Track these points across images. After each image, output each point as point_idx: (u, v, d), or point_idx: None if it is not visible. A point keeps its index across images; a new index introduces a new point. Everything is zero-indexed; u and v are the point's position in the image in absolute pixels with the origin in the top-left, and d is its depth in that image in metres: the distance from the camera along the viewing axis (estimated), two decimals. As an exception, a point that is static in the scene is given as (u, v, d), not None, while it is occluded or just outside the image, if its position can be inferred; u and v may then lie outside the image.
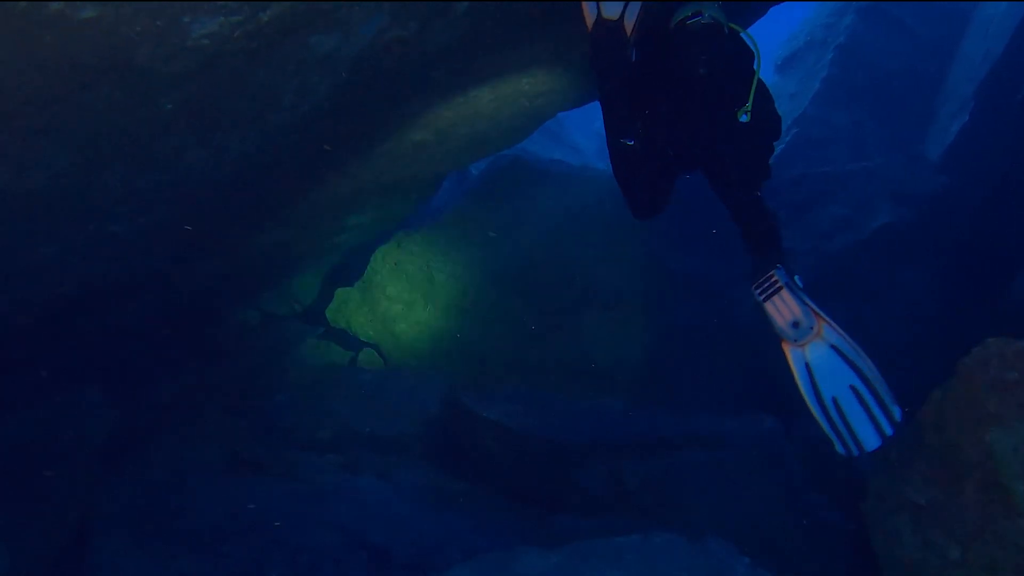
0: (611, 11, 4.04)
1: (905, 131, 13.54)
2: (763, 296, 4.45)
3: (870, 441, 4.20)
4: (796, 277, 4.56)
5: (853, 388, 4.30)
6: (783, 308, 4.39)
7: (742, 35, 4.54)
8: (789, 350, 4.38)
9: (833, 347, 4.32)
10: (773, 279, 4.44)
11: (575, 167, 12.64)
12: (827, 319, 4.32)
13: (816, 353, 4.35)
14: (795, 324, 4.31)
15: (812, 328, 4.30)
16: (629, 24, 4.05)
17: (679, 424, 8.45)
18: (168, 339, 9.34)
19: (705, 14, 4.23)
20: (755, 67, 4.42)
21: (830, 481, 8.44)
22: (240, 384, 10.14)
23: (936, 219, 10.69)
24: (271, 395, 9.93)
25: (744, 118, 4.34)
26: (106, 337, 8.54)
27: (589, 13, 4.09)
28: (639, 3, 4.05)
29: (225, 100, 4.16)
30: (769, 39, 23.11)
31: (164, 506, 7.67)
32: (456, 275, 10.79)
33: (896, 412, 4.14)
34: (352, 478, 8.41)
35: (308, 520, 7.30)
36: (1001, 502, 3.80)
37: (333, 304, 11.13)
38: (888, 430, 4.15)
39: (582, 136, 20.69)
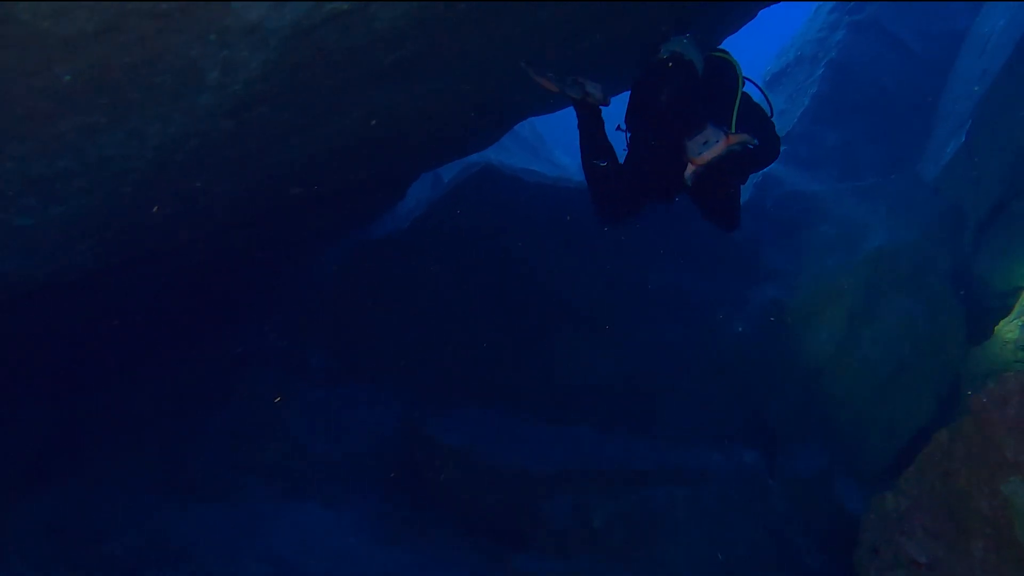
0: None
1: (898, 150, 13.26)
2: None
3: None
4: None
5: None
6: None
7: (724, 59, 4.84)
8: None
9: None
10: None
11: (550, 177, 12.25)
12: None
13: None
14: None
15: None
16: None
17: (654, 455, 8.04)
18: (110, 344, 8.88)
19: (672, 51, 4.63)
20: (737, 91, 4.67)
21: (815, 522, 8.06)
22: (184, 396, 9.62)
23: (932, 242, 10.36)
24: (216, 409, 9.41)
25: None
26: (40, 341, 8.07)
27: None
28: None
29: (136, 72, 3.67)
30: (758, 54, 23.04)
31: (83, 527, 7.20)
32: (422, 285, 10.31)
33: None
34: (295, 504, 7.96)
35: (241, 550, 6.84)
36: (1016, 563, 3.36)
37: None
38: None
39: (563, 152, 20.38)
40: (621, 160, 4.95)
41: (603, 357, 9.91)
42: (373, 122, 5.91)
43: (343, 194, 7.87)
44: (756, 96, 5.07)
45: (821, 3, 16.83)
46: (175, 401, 9.28)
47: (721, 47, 5.02)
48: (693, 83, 4.59)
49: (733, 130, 4.48)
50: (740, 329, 10.04)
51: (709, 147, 4.20)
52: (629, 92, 4.86)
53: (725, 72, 4.78)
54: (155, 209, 5.66)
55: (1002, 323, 9.43)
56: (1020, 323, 9.10)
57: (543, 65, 4.67)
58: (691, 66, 4.62)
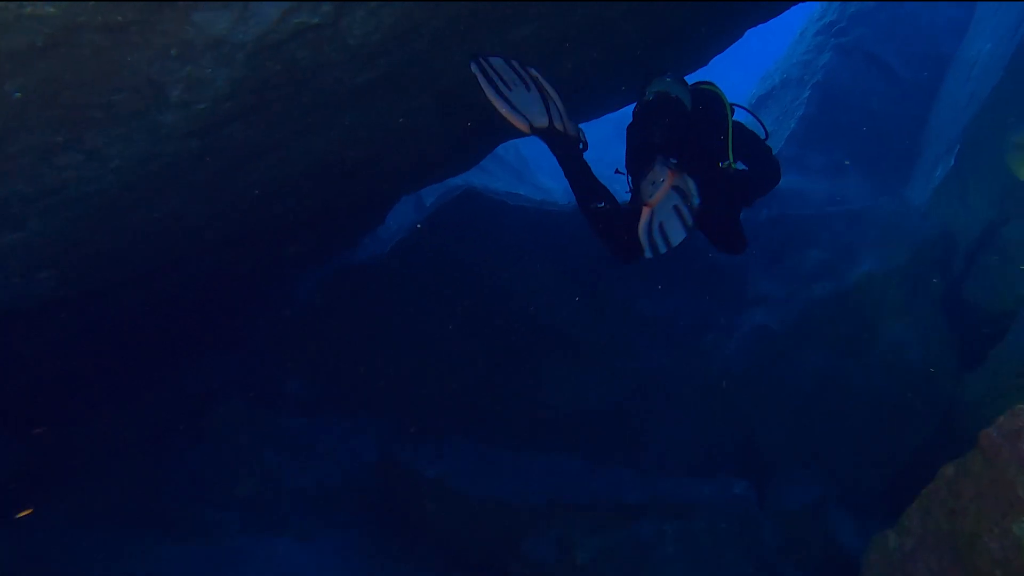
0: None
1: (886, 174, 13.19)
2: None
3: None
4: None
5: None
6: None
7: (710, 90, 4.73)
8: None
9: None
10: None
11: (534, 200, 12.10)
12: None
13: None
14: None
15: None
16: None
17: (642, 487, 7.81)
18: (76, 376, 8.63)
19: (657, 91, 4.53)
20: (728, 121, 4.58)
21: (808, 554, 7.86)
22: (156, 428, 9.36)
23: (923, 267, 10.25)
24: (188, 441, 9.16)
25: (736, 165, 4.47)
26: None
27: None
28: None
29: (92, 89, 3.49)
30: (744, 77, 23.11)
31: (46, 567, 6.94)
32: (402, 310, 10.10)
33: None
34: (269, 540, 7.72)
35: (212, 589, 6.57)
36: (1027, 608, 3.16)
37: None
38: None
39: (547, 176, 20.30)
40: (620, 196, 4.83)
41: (589, 384, 9.71)
42: (349, 152, 5.76)
43: (320, 217, 7.69)
44: (747, 120, 5.02)
45: (806, 26, 16.85)
46: (146, 433, 9.02)
47: (706, 79, 4.97)
48: (684, 118, 4.54)
49: (731, 159, 4.45)
50: (729, 356, 9.87)
51: (657, 187, 4.06)
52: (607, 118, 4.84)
53: (713, 103, 4.72)
54: (123, 234, 5.47)
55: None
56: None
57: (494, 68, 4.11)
58: (679, 102, 4.57)
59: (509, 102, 4.06)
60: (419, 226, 10.71)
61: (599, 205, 4.32)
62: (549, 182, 19.93)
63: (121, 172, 4.41)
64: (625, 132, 4.65)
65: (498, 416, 9.44)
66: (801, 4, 8.79)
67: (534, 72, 4.16)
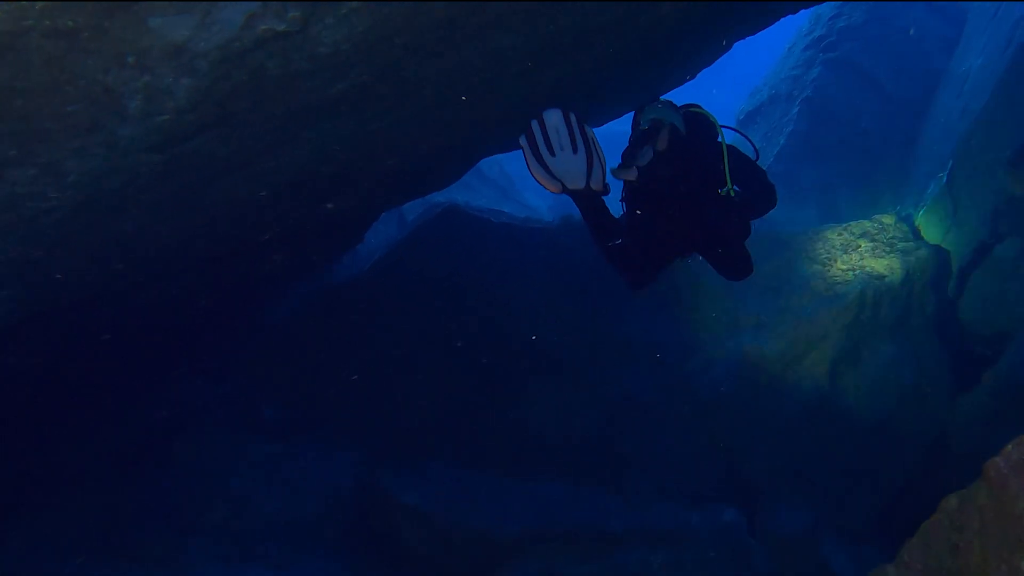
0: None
1: (877, 190, 13.15)
2: None
3: None
4: None
5: None
6: None
7: (700, 113, 4.85)
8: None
9: None
10: None
11: (518, 218, 11.98)
12: None
13: None
14: None
15: None
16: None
17: (629, 514, 7.66)
18: (42, 398, 8.41)
19: (651, 119, 4.62)
20: (723, 146, 4.68)
21: (801, 585, 7.72)
22: (124, 452, 9.14)
23: (916, 286, 10.17)
24: (158, 465, 8.95)
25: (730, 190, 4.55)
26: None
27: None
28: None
29: (44, 99, 3.33)
30: (732, 93, 23.13)
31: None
32: (381, 331, 9.93)
33: None
34: (241, 569, 7.50)
35: (179, 623, 6.36)
36: (1036, 650, 3.02)
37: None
38: None
39: (533, 194, 20.23)
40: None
41: (573, 408, 9.55)
42: (323, 167, 5.60)
43: (295, 235, 7.52)
44: (735, 140, 5.07)
45: (794, 41, 16.88)
46: (112, 460, 8.80)
47: (694, 103, 5.00)
48: (681, 143, 4.65)
49: (729, 184, 4.54)
50: (717, 378, 9.74)
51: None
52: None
53: (705, 128, 4.85)
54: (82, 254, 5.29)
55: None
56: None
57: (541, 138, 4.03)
58: (674, 129, 4.66)
59: (548, 169, 3.99)
60: (399, 244, 10.57)
61: (616, 243, 4.43)
62: (534, 200, 19.85)
63: (79, 188, 4.24)
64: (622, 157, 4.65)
65: (479, 440, 9.27)
66: (789, 18, 8.74)
67: (590, 132, 4.05)
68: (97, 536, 8.08)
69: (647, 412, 9.54)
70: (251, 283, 8.92)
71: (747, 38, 8.51)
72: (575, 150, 3.99)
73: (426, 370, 9.82)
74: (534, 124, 4.00)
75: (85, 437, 8.85)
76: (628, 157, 4.52)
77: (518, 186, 19.25)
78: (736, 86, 23.62)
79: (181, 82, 3.60)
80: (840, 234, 10.95)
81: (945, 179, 11.14)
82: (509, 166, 18.84)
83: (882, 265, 10.23)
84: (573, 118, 3.99)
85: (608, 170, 4.17)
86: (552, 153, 3.98)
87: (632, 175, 4.35)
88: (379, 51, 4.17)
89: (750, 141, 5.26)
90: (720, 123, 4.93)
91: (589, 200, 4.20)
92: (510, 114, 6.31)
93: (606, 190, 4.16)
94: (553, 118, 3.98)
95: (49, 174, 3.99)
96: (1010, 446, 3.13)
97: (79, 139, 3.78)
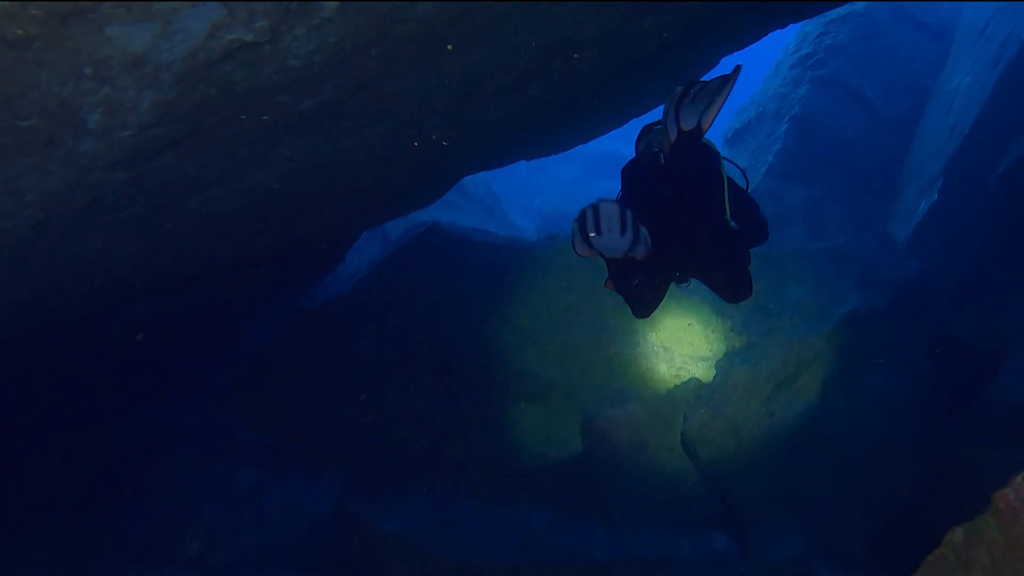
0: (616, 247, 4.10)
1: (867, 208, 13.09)
2: None
3: None
4: None
5: None
6: None
7: (706, 143, 4.70)
8: None
9: None
10: None
11: (502, 237, 11.85)
12: None
13: None
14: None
15: None
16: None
17: (615, 543, 7.49)
18: (16, 426, 8.21)
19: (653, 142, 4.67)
20: (723, 172, 4.66)
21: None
22: (96, 480, 8.93)
23: (908, 305, 10.07)
24: (130, 494, 8.75)
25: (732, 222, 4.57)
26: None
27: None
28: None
29: (-5, 113, 3.19)
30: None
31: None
32: (362, 354, 9.76)
33: None
34: (215, 604, 7.29)
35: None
36: None
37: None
38: None
39: (519, 213, 20.15)
40: None
41: (559, 433, 9.38)
42: (298, 186, 5.46)
43: (271, 257, 7.38)
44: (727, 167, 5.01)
45: (781, 58, 16.87)
46: (86, 485, 8.60)
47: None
48: (692, 157, 4.58)
49: (728, 215, 4.55)
50: (705, 399, 9.59)
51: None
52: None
53: (710, 154, 4.76)
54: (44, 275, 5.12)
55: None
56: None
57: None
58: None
59: (591, 246, 3.96)
60: (380, 264, 10.43)
61: (635, 282, 4.51)
62: (521, 219, 19.75)
63: (39, 207, 4.09)
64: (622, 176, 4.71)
65: (462, 466, 9.09)
66: (776, 35, 8.69)
67: (644, 231, 4.01)
68: (67, 568, 7.86)
69: (633, 436, 9.37)
70: (227, 305, 8.75)
71: (734, 53, 8.45)
72: (622, 232, 3.98)
73: (407, 394, 9.65)
74: (588, 209, 4.00)
75: (54, 463, 8.64)
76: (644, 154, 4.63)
77: (504, 205, 19.16)
78: (724, 105, 23.59)
79: (144, 95, 3.46)
80: (830, 253, 10.85)
81: (936, 196, 11.10)
82: (496, 186, 18.78)
83: (873, 283, 10.13)
84: (629, 215, 3.97)
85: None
86: (599, 233, 3.98)
87: (642, 253, 4.18)
88: (353, 64, 4.05)
89: (742, 172, 5.19)
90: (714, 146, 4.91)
91: (621, 264, 4.32)
92: (490, 131, 6.20)
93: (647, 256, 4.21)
94: (608, 208, 3.97)
95: (6, 192, 3.84)
96: (1020, 477, 2.99)
97: (36, 155, 3.64)
